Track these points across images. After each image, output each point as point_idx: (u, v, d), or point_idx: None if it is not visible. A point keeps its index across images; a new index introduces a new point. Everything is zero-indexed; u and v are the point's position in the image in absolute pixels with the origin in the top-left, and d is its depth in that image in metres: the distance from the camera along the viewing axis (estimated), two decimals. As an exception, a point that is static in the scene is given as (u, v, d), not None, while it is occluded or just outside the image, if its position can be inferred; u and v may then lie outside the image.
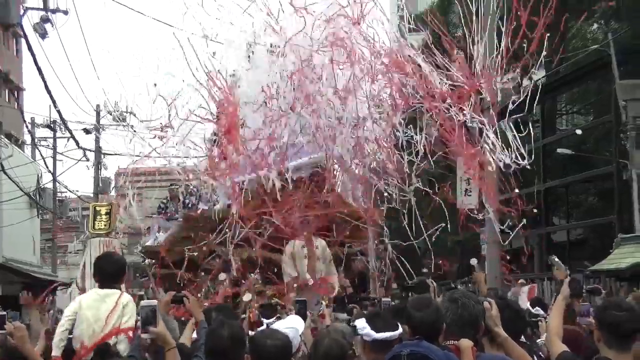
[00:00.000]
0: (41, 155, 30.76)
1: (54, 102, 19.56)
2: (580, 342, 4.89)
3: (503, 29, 9.29)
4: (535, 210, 10.38)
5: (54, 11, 21.67)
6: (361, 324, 4.51)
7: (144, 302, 4.25)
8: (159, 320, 4.10)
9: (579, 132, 21.06)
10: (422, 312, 4.01)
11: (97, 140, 31.70)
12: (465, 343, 3.87)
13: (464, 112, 9.22)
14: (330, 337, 4.34)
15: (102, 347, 5.28)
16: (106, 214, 10.09)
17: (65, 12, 22.22)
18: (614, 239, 18.30)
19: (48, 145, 32.74)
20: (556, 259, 5.06)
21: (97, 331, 6.06)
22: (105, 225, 9.96)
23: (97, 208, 10.35)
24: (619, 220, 20.28)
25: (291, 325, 4.95)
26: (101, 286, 6.39)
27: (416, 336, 3.86)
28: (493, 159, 9.29)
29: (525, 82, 9.89)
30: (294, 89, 9.57)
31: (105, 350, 5.17)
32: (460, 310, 4.05)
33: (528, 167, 9.32)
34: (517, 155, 9.11)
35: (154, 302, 4.26)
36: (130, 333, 6.04)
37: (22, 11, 17.83)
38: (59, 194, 34.59)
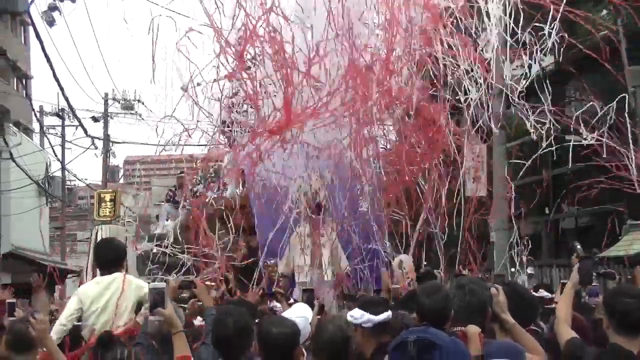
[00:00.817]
0: (50, 143, 30.87)
1: (62, 90, 19.59)
2: (585, 330, 4.88)
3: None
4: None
5: (61, -1, 21.68)
6: (357, 312, 4.51)
7: (152, 285, 4.26)
8: (167, 303, 4.11)
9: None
10: (431, 298, 4.01)
11: (105, 128, 31.79)
12: (473, 329, 3.87)
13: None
14: (334, 324, 4.33)
15: (104, 337, 5.29)
16: (110, 200, 10.12)
17: (73, 0, 22.24)
18: (623, 226, 18.22)
19: (56, 134, 32.85)
20: (578, 246, 5.07)
21: (108, 319, 6.07)
22: (110, 212, 9.98)
23: (102, 195, 10.38)
24: (628, 206, 20.18)
25: (301, 314, 4.96)
26: (102, 273, 6.40)
27: (424, 322, 3.86)
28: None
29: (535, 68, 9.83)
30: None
31: (107, 341, 5.19)
32: (467, 297, 4.05)
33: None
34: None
35: (163, 284, 4.27)
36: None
37: (29, -1, 17.81)
38: (67, 182, 34.72)
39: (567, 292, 4.69)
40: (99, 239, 9.43)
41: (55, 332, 5.95)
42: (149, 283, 5.25)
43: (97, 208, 10.03)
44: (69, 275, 22.89)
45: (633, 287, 4.70)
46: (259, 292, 7.87)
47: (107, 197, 9.98)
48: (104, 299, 6.12)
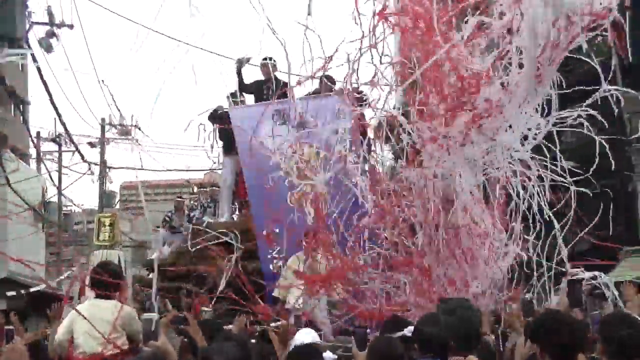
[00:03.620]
0: (46, 168, 30.85)
1: (59, 115, 19.66)
2: None
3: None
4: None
5: (59, 26, 21.81)
6: None
7: (145, 316, 4.28)
8: (160, 334, 4.11)
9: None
10: (433, 329, 3.96)
11: (101, 154, 31.81)
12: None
13: None
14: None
15: None
16: (110, 225, 10.07)
17: (71, 27, 22.36)
18: (619, 251, 18.22)
19: (53, 159, 32.83)
20: None
21: (95, 344, 6.04)
22: (109, 237, 9.93)
23: (102, 219, 10.34)
24: (625, 232, 20.18)
25: (313, 339, 4.96)
26: (97, 297, 6.40)
27: (429, 353, 3.83)
28: None
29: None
30: None
31: None
32: (458, 322, 4.00)
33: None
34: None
35: (155, 315, 4.29)
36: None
37: (27, 26, 17.90)
38: (64, 208, 34.64)
39: None
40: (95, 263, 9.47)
41: (53, 349, 6.16)
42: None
43: (97, 232, 9.98)
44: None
45: (629, 314, 4.68)
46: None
47: (107, 221, 9.93)
48: (96, 322, 6.10)
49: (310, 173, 8.42)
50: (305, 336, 5.20)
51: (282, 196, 10.55)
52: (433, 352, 3.83)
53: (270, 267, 10.66)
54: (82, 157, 27.52)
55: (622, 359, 3.95)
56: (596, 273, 6.62)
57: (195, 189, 15.93)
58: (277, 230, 10.60)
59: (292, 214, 9.87)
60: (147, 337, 4.09)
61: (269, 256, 10.72)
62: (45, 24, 21.73)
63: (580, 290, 4.74)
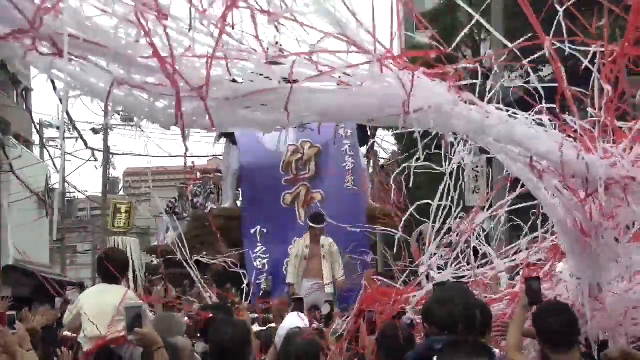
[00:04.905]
0: (50, 155, 30.79)
1: (61, 102, 19.59)
2: None
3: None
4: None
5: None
6: None
7: (129, 304, 4.27)
8: (145, 321, 4.09)
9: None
10: (446, 309, 3.93)
11: (105, 140, 31.77)
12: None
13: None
14: (302, 337, 4.31)
15: (102, 352, 5.25)
16: (126, 212, 10.08)
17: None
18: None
19: (57, 146, 32.79)
20: None
21: (100, 326, 6.07)
22: (124, 224, 9.93)
23: (118, 205, 10.33)
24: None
25: (294, 324, 4.97)
26: (104, 281, 6.47)
27: (444, 332, 3.81)
28: None
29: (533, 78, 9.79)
30: None
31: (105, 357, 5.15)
32: (457, 308, 3.96)
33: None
34: None
35: (140, 303, 4.29)
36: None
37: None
38: (67, 194, 34.64)
39: (517, 316, 4.47)
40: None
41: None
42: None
43: (112, 219, 9.98)
44: (69, 288, 22.84)
45: (559, 303, 4.49)
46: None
47: (123, 208, 9.93)
48: (97, 304, 6.12)
49: None
50: (293, 320, 5.22)
51: (277, 197, 10.86)
52: (445, 332, 3.81)
53: (255, 264, 10.75)
54: (85, 143, 27.42)
55: (554, 347, 3.92)
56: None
57: (199, 175, 15.93)
58: (266, 231, 10.83)
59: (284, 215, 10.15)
60: (132, 325, 4.05)
61: (253, 255, 10.87)
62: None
63: (539, 287, 4.50)
